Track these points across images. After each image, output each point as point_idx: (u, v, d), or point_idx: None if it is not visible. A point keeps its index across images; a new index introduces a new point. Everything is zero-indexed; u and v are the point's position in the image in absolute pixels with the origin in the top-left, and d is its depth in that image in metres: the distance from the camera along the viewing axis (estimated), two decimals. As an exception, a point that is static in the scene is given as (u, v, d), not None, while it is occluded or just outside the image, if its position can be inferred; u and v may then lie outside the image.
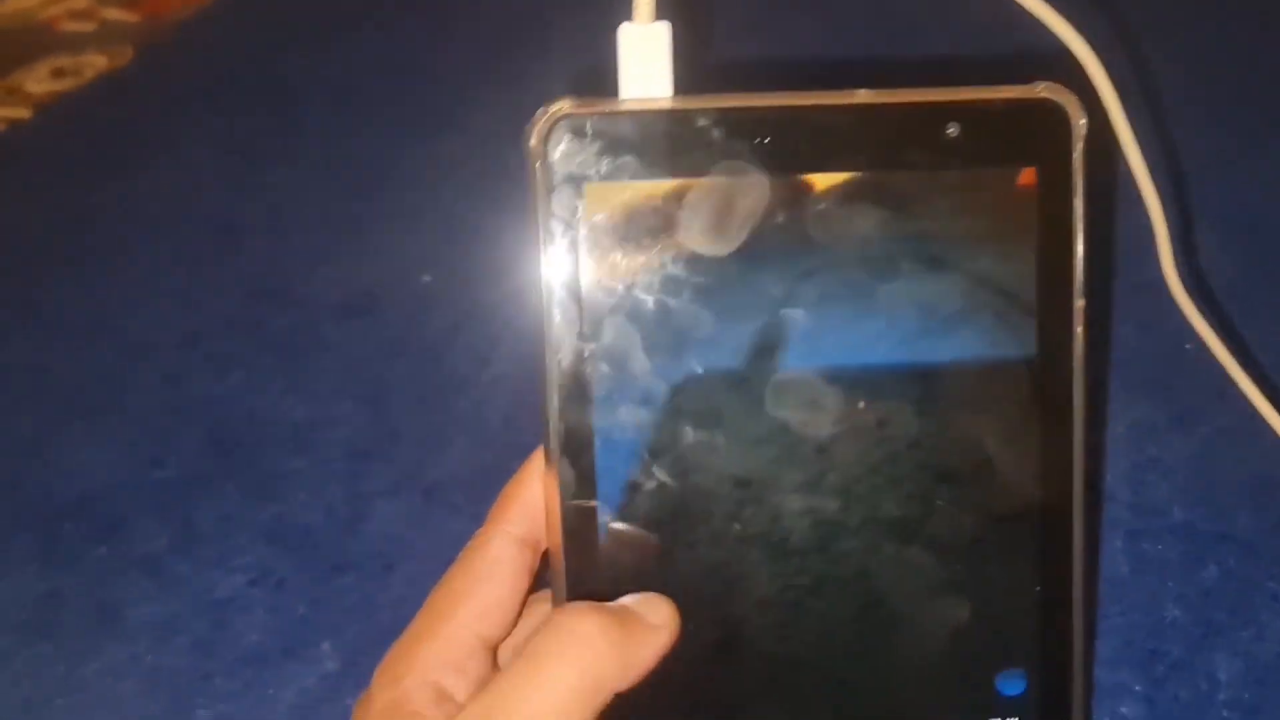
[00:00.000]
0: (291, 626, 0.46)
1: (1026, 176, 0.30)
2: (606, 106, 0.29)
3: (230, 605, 0.47)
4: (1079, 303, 0.30)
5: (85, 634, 0.47)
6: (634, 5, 0.30)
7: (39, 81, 0.88)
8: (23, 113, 0.83)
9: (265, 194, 0.71)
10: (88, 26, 0.97)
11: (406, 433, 0.54)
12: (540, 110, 0.29)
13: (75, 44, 0.94)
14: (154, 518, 0.52)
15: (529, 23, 0.82)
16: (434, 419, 0.54)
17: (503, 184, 0.63)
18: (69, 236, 0.70)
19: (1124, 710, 0.40)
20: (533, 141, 0.29)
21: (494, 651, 0.30)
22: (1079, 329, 0.30)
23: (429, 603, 0.31)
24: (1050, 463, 0.31)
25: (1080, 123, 0.30)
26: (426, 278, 0.62)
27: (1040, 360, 0.31)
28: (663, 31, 0.30)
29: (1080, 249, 0.30)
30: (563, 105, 0.29)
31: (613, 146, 0.29)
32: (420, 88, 0.78)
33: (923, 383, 0.31)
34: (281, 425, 0.55)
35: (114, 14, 0.98)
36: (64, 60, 0.91)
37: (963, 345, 0.31)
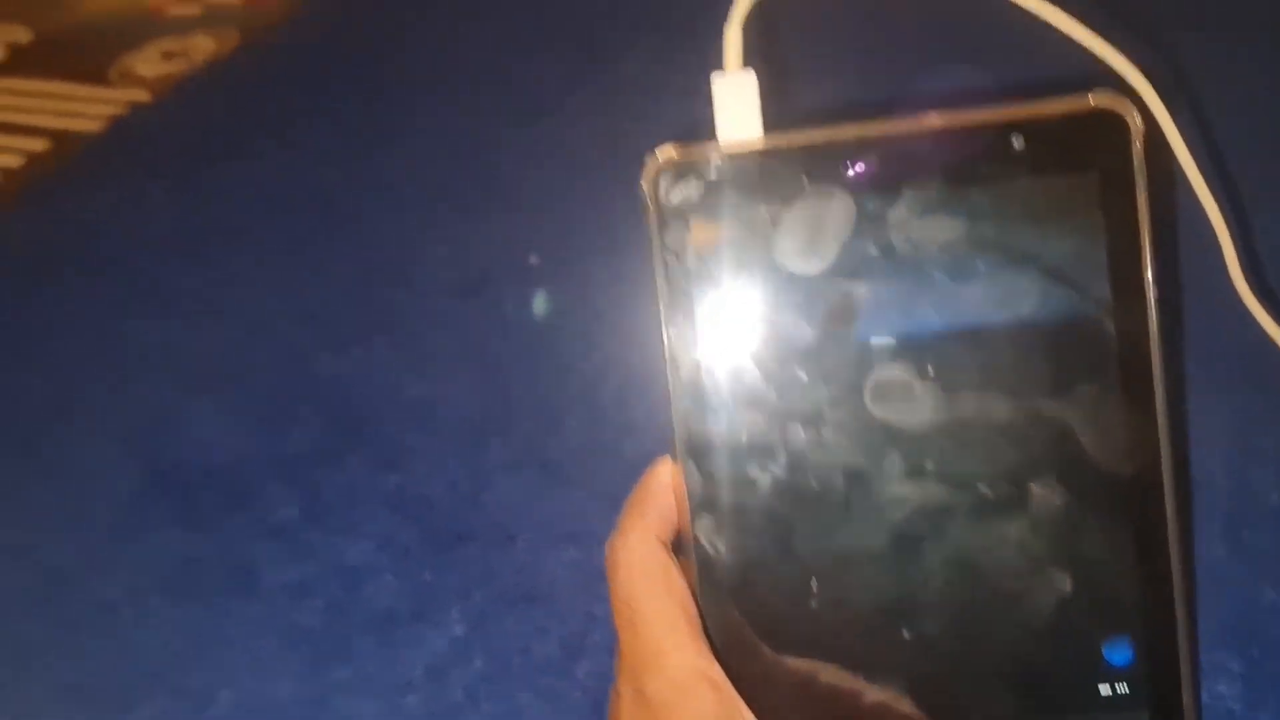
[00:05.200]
0: (419, 591, 0.49)
1: (1092, 181, 0.32)
2: (706, 151, 0.33)
3: (360, 571, 0.50)
4: (1151, 290, 0.32)
5: (225, 594, 0.50)
6: (724, 55, 0.33)
7: (150, 64, 0.92)
8: (142, 95, 0.87)
9: (374, 177, 0.73)
10: (193, 10, 1.00)
11: (521, 410, 0.56)
12: (649, 157, 0.33)
13: (181, 27, 0.97)
14: (284, 487, 0.55)
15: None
16: (547, 397, 0.56)
17: (605, 170, 0.65)
18: (188, 217, 0.73)
19: (1221, 689, 0.42)
20: (645, 184, 0.33)
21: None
22: (1153, 309, 0.32)
23: (639, 618, 0.33)
24: (1137, 437, 0.33)
25: (1136, 126, 0.32)
26: (534, 259, 0.64)
27: (1119, 340, 0.33)
28: (750, 78, 0.33)
29: (1148, 241, 0.32)
30: (669, 151, 0.33)
31: (714, 184, 0.33)
32: (525, 76, 0.80)
33: (1010, 371, 0.33)
34: (400, 402, 0.58)
35: (218, -3, 1.02)
36: (172, 43, 0.94)
37: (1044, 335, 0.33)
